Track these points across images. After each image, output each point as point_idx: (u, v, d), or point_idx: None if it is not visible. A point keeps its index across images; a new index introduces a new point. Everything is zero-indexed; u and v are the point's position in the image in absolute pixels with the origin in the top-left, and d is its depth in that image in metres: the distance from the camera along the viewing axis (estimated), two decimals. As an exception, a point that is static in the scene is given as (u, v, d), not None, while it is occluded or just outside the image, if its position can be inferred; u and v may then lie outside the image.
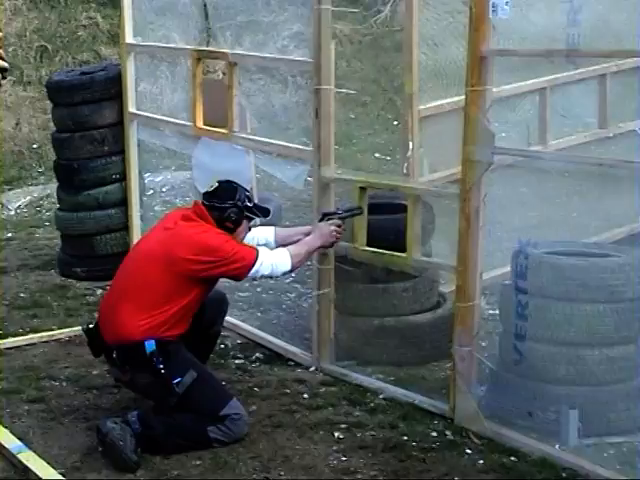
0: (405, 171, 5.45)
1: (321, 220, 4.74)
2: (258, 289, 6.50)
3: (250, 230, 4.66)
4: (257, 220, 4.82)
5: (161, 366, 4.23)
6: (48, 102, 10.69)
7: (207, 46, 9.52)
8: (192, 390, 4.26)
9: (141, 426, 4.20)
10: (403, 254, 4.66)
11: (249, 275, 4.43)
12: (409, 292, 5.16)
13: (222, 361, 5.30)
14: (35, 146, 10.58)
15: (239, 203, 4.46)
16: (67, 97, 6.72)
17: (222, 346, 5.51)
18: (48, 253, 7.47)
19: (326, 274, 5.07)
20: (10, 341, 5.63)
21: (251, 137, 5.65)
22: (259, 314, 6.04)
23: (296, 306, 6.14)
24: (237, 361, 5.32)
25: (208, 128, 5.74)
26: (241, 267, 4.37)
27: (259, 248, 4.47)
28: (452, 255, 4.51)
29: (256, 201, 4.78)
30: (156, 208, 8.47)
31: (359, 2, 12.01)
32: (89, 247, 6.78)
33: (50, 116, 9.11)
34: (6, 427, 4.47)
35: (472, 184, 4.20)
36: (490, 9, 4.00)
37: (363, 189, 4.82)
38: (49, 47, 11.62)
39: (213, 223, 4.44)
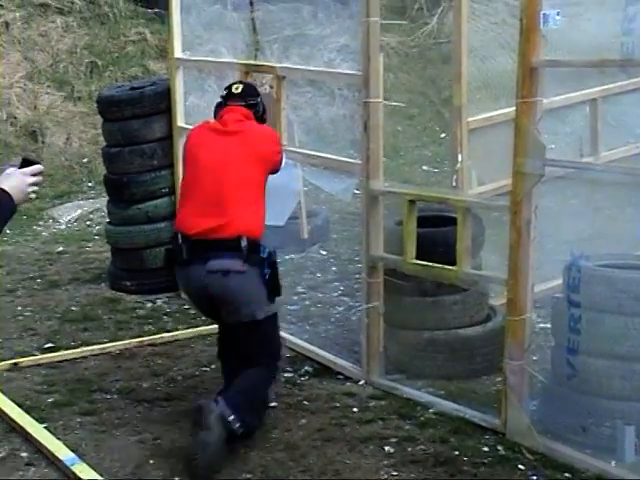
0: (454, 183, 5.42)
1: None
2: (307, 302, 6.51)
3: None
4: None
5: (266, 272, 4.43)
6: (98, 117, 10.85)
7: (255, 60, 9.57)
8: (275, 317, 4.54)
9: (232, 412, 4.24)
10: (453, 267, 4.63)
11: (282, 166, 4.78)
12: (459, 305, 5.12)
13: (272, 374, 5.30)
14: (85, 160, 10.70)
15: (259, 98, 4.84)
16: (117, 112, 6.77)
17: (272, 359, 5.52)
18: (98, 267, 7.53)
19: (375, 287, 5.05)
20: (62, 354, 5.68)
21: (299, 150, 5.66)
22: (308, 327, 6.04)
23: (345, 319, 6.11)
24: (286, 374, 5.31)
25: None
26: (281, 158, 4.76)
27: None
28: (502, 268, 4.47)
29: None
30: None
31: (406, 14, 12.02)
32: (139, 261, 6.81)
33: (100, 131, 9.21)
34: (59, 439, 4.51)
35: (523, 196, 4.16)
36: (541, 20, 3.97)
37: (412, 202, 4.80)
38: (99, 63, 11.76)
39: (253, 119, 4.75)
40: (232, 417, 4.23)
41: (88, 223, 9.08)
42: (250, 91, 4.81)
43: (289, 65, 5.98)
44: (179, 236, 4.45)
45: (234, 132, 4.62)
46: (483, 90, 5.96)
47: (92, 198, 9.85)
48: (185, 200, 4.60)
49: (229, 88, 4.80)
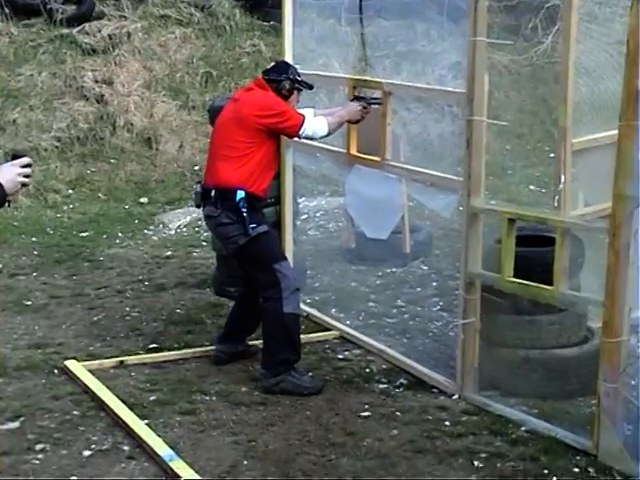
0: (556, 204, 5.41)
1: (352, 100, 5.78)
2: (405, 316, 6.57)
3: (299, 101, 5.66)
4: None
5: (244, 210, 5.25)
6: (210, 126, 11.16)
7: (364, 74, 9.67)
8: (259, 239, 5.32)
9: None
10: (550, 287, 4.64)
11: (298, 133, 5.45)
12: (555, 325, 5.12)
13: (366, 385, 5.40)
14: (197, 168, 10.96)
15: (291, 76, 5.52)
16: (227, 121, 6.94)
17: (367, 370, 5.62)
18: (204, 272, 7.74)
19: (472, 304, 5.09)
20: (166, 355, 5.88)
21: (402, 165, 5.73)
22: (405, 340, 6.10)
23: (442, 334, 6.15)
24: (381, 385, 5.40)
25: (362, 155, 5.86)
26: (292, 125, 5.41)
27: (305, 115, 5.49)
28: (601, 290, 4.48)
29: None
30: (310, 232, 8.68)
31: (520, 33, 11.98)
32: (243, 268, 6.96)
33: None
34: (159, 436, 4.69)
35: (622, 219, 4.16)
36: (647, 43, 3.98)
37: (511, 220, 4.83)
38: (214, 73, 12.07)
39: (270, 91, 5.46)
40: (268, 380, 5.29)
41: (196, 229, 9.30)
42: (277, 69, 5.58)
43: (395, 81, 6.04)
44: (200, 185, 5.54)
45: (236, 99, 5.56)
46: (594, 111, 5.92)
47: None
48: (209, 147, 5.66)
49: None
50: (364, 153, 5.85)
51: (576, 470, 4.33)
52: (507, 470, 4.33)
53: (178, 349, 5.99)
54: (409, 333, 6.23)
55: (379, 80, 5.84)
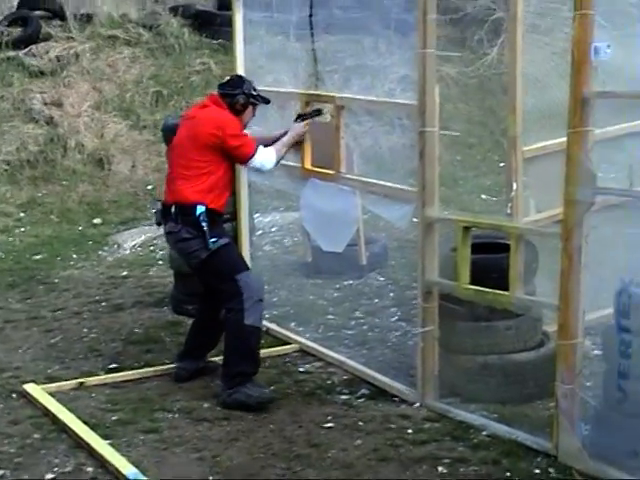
0: (509, 211, 5.50)
1: (296, 120, 5.84)
2: (364, 327, 6.63)
3: (255, 115, 5.68)
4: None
5: (204, 224, 5.29)
6: (162, 145, 11.12)
7: (315, 89, 9.75)
8: (220, 252, 5.35)
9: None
10: (505, 292, 4.72)
11: (246, 163, 5.53)
12: (512, 330, 5.20)
13: (328, 396, 5.43)
14: (150, 187, 10.97)
15: (246, 91, 5.52)
16: (181, 140, 6.97)
17: (328, 382, 5.65)
18: (161, 291, 7.73)
19: (430, 312, 5.16)
20: (126, 374, 5.87)
21: (358, 178, 5.79)
22: (365, 351, 6.15)
23: (401, 344, 6.21)
24: (343, 396, 5.44)
25: (316, 169, 5.91)
26: (244, 153, 5.45)
27: (260, 148, 5.50)
28: (556, 294, 4.56)
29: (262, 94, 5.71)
30: (265, 248, 8.70)
31: (466, 45, 12.15)
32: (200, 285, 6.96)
33: (164, 159, 9.37)
34: (123, 455, 4.68)
35: (574, 224, 4.26)
36: (592, 52, 4.07)
37: (466, 228, 4.91)
38: (164, 92, 12.07)
39: (226, 108, 5.48)
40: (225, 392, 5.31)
41: (152, 248, 9.30)
42: (232, 83, 5.60)
43: (348, 95, 6.11)
44: (160, 203, 5.64)
45: (191, 117, 5.60)
46: (542, 120, 6.03)
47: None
48: (168, 164, 5.72)
49: None
50: (319, 167, 5.90)
51: (537, 471, 4.40)
52: (470, 474, 4.39)
53: (138, 368, 5.98)
54: (368, 344, 6.29)
55: (332, 94, 5.91)
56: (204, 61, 12.58)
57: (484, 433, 4.81)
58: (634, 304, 4.25)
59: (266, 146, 5.62)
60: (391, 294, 7.34)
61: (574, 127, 4.18)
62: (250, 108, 5.60)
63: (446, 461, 4.54)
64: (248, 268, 5.55)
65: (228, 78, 5.72)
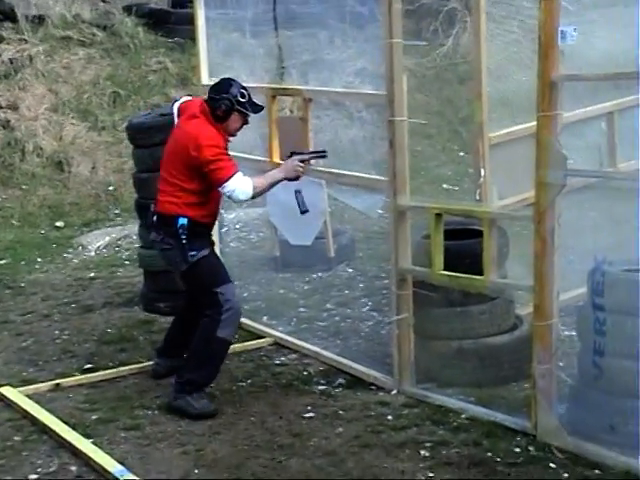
0: (477, 197, 5.58)
1: (288, 157, 5.43)
2: (336, 318, 6.68)
3: (247, 123, 5.34)
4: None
5: (184, 237, 5.16)
6: (122, 145, 11.10)
7: (280, 84, 9.76)
8: (199, 264, 5.22)
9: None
10: (480, 277, 4.80)
11: (219, 187, 5.14)
12: (486, 314, 5.28)
13: (306, 387, 5.47)
14: (111, 188, 10.93)
15: (231, 97, 5.17)
16: (147, 138, 6.98)
17: (305, 373, 5.70)
18: (130, 290, 7.73)
19: (405, 299, 5.22)
20: (102, 374, 5.86)
21: (327, 169, 5.83)
22: (339, 342, 6.20)
23: (374, 333, 6.28)
24: (321, 387, 5.48)
25: (284, 163, 5.93)
26: (216, 176, 5.11)
27: (238, 175, 5.14)
28: (527, 277, 4.65)
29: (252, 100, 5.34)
30: (232, 244, 8.71)
31: (422, 36, 12.25)
32: (172, 283, 6.90)
33: (125, 159, 9.39)
34: (107, 453, 4.68)
35: (546, 206, 4.34)
36: (559, 36, 4.16)
37: (439, 215, 4.98)
38: (121, 92, 12.02)
39: (212, 117, 5.19)
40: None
41: (117, 249, 9.28)
42: (218, 87, 5.27)
43: (315, 87, 6.15)
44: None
45: (180, 127, 5.32)
46: (500, 108, 6.12)
47: (119, 225, 10.07)
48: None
49: None
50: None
51: (517, 450, 4.48)
52: (453, 456, 4.46)
53: (113, 368, 5.97)
54: (342, 334, 6.34)
55: (298, 87, 5.94)
56: (160, 60, 12.54)
57: (463, 416, 4.89)
58: (608, 282, 4.35)
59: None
60: (361, 285, 7.40)
61: (543, 111, 4.26)
62: (236, 116, 5.22)
63: (428, 445, 4.60)
64: (230, 280, 5.32)
65: (217, 81, 5.39)
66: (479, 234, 4.99)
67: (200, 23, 6.48)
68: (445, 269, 5.00)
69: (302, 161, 5.34)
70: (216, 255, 5.52)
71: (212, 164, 5.08)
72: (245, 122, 5.31)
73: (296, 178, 5.35)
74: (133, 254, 8.59)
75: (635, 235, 6.28)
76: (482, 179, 5.47)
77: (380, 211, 6.22)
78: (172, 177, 5.25)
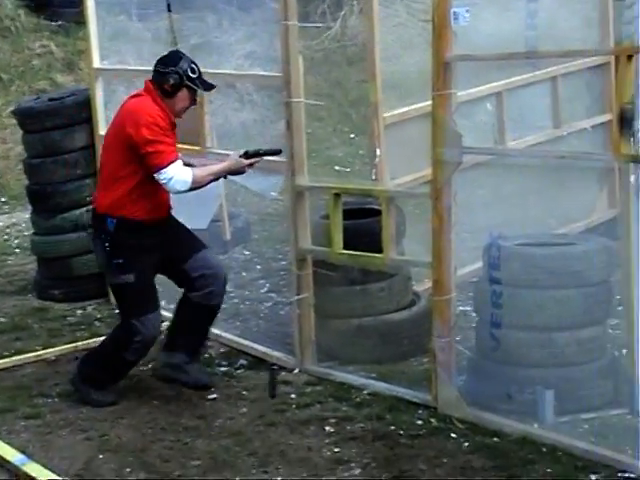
0: (373, 177, 5.67)
1: (241, 156, 4.94)
2: (235, 300, 6.68)
3: (195, 103, 4.94)
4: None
5: (107, 244, 4.76)
6: (7, 131, 10.84)
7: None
8: (124, 288, 4.85)
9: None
10: (380, 254, 4.88)
11: (154, 174, 4.64)
12: (385, 292, 5.38)
13: (208, 369, 5.47)
14: (-6, 176, 10.66)
15: (180, 71, 4.72)
16: (37, 123, 6.85)
17: (206, 355, 5.68)
18: (23, 278, 7.57)
19: (305, 279, 5.27)
20: (-3, 363, 5.75)
21: (223, 152, 5.81)
22: (239, 323, 6.23)
23: (273, 314, 6.33)
24: (222, 368, 5.50)
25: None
26: (152, 161, 4.63)
27: (178, 162, 4.69)
28: (424, 253, 4.76)
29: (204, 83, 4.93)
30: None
31: (310, 19, 12.28)
32: (66, 269, 6.89)
33: (10, 145, 9.17)
34: (6, 443, 4.60)
35: (443, 184, 4.44)
36: (452, 17, 4.25)
37: (337, 195, 5.04)
38: (4, 77, 11.70)
39: (158, 94, 4.73)
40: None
41: (6, 237, 9.06)
42: (166, 60, 4.80)
43: (210, 70, 6.12)
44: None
45: (121, 107, 4.85)
46: (389, 90, 6.22)
47: (7, 213, 9.85)
48: None
49: None
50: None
51: (419, 422, 4.59)
52: (357, 431, 4.54)
53: (9, 357, 5.85)
54: (241, 316, 6.36)
55: (193, 69, 5.89)
56: (44, 44, 12.25)
57: (365, 392, 4.97)
58: (503, 256, 4.48)
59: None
60: (258, 267, 7.43)
61: (438, 90, 4.36)
62: (185, 92, 4.76)
63: (332, 421, 4.67)
64: (153, 309, 4.92)
65: (164, 54, 4.89)
66: (375, 213, 5.08)
67: (89, 4, 6.38)
68: (345, 248, 5.06)
69: (253, 156, 4.90)
70: (144, 278, 4.86)
71: (149, 145, 4.59)
72: (193, 102, 4.89)
73: (240, 172, 4.96)
74: (24, 242, 8.41)
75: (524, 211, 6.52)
76: (377, 159, 5.55)
77: (274, 194, 6.25)
78: (106, 165, 4.82)
